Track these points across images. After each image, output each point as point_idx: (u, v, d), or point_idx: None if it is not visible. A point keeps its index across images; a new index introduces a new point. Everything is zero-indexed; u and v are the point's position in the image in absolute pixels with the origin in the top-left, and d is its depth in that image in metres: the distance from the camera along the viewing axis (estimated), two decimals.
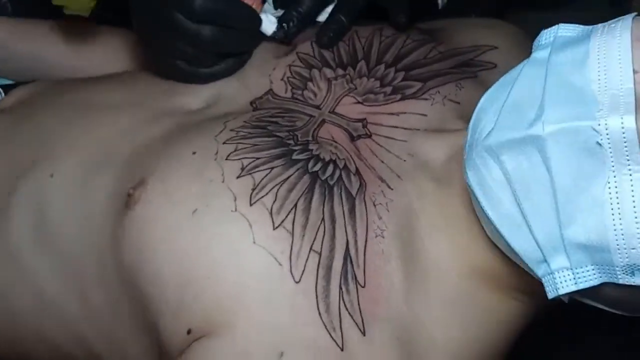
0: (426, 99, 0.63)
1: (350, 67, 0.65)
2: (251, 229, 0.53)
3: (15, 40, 0.82)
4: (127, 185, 0.58)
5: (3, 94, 0.79)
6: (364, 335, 0.51)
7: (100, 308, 0.60)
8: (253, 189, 0.54)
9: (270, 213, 0.53)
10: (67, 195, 0.62)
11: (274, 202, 0.54)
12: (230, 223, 0.53)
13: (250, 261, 0.52)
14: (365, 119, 0.61)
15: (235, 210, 0.53)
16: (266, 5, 0.68)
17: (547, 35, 0.50)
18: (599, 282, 0.45)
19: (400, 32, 0.69)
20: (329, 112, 0.62)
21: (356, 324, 0.52)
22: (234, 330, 0.51)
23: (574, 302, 0.49)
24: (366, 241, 0.54)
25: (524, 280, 0.53)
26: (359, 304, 0.52)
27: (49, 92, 0.75)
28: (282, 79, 0.65)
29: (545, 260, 0.46)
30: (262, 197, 0.54)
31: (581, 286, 0.45)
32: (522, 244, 0.47)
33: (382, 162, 0.59)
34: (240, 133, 0.59)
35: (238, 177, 0.55)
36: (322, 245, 0.53)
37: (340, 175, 0.57)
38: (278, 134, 0.59)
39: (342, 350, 0.51)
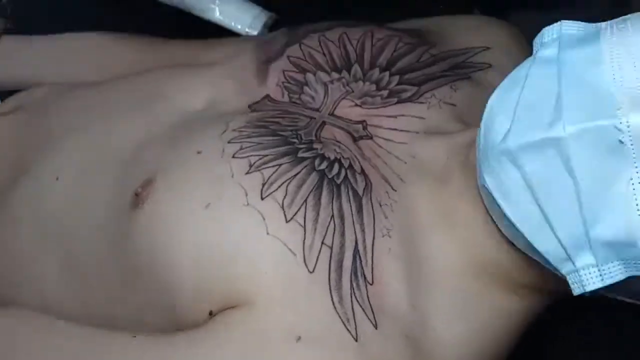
0: (422, 103, 0.63)
1: (345, 71, 0.66)
2: (264, 221, 0.54)
3: (15, 59, 0.82)
4: (132, 185, 0.58)
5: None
6: (376, 328, 0.52)
7: (100, 306, 0.61)
8: (263, 184, 0.55)
9: (282, 207, 0.54)
10: (69, 196, 0.63)
11: (285, 196, 0.55)
12: (244, 215, 0.54)
13: (265, 250, 0.53)
14: (364, 121, 0.62)
15: (248, 204, 0.54)
16: None
17: (550, 33, 0.49)
18: (625, 277, 0.45)
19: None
20: (329, 114, 0.63)
21: (368, 317, 0.52)
22: (253, 307, 0.52)
23: (596, 295, 0.49)
24: (374, 240, 0.55)
25: (528, 275, 0.54)
26: (369, 300, 0.53)
27: (52, 98, 0.75)
28: (277, 84, 0.65)
29: (570, 259, 0.46)
30: (273, 192, 0.55)
31: (608, 282, 0.45)
32: (545, 244, 0.47)
33: (385, 163, 0.59)
34: (244, 133, 0.59)
35: (247, 174, 0.56)
36: (332, 240, 0.54)
37: (346, 174, 0.57)
38: (282, 133, 0.60)
39: (356, 340, 0.51)
